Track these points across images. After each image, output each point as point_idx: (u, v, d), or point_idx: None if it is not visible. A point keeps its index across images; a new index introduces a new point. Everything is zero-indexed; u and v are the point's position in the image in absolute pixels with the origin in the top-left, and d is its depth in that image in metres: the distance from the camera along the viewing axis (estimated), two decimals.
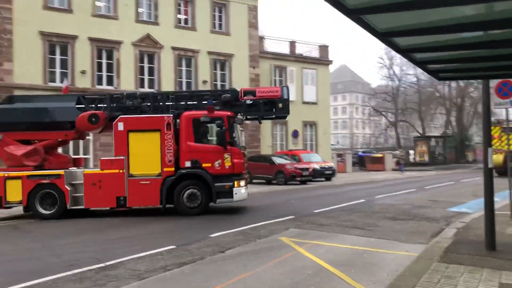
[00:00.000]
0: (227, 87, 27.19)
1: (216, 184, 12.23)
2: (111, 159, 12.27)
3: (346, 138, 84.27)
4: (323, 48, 34.48)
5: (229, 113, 12.44)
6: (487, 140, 7.46)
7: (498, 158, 24.88)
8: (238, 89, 13.18)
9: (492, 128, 22.00)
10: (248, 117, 13.01)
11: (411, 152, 42.38)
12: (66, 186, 12.28)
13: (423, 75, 49.72)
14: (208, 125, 12.41)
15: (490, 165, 7.41)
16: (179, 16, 26.31)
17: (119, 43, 24.05)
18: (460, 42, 4.14)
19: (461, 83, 44.48)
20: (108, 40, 23.70)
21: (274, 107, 12.70)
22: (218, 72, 27.70)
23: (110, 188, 12.21)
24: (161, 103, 12.87)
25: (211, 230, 10.22)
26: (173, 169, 12.26)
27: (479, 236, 8.81)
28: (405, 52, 4.19)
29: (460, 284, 5.74)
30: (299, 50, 33.33)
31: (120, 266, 7.25)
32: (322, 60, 33.86)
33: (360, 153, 40.52)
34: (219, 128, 12.17)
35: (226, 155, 12.24)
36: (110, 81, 23.81)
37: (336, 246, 8.58)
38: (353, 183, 23.67)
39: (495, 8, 3.03)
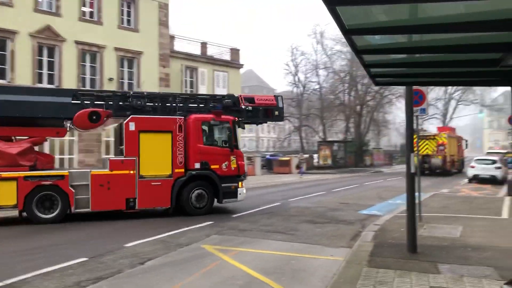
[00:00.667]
0: (135, 86, 26.02)
1: (223, 185, 12.77)
2: (121, 159, 11.82)
3: (253, 141, 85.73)
4: (235, 52, 34.45)
5: (235, 118, 13.09)
6: (410, 146, 7.71)
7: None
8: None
9: None
10: (246, 121, 13.72)
11: (315, 156, 44.18)
12: (70, 187, 11.39)
13: (326, 83, 52.39)
14: (216, 128, 12.90)
15: (412, 170, 7.66)
16: (83, 8, 24.31)
17: (14, 32, 21.47)
18: (407, 45, 4.04)
19: (360, 92, 47.58)
20: (1, 29, 21.07)
21: (271, 114, 13.79)
22: (126, 69, 26.15)
23: (119, 189, 11.77)
24: (168, 104, 12.78)
25: (125, 239, 9.34)
26: (183, 170, 12.41)
27: (397, 238, 9.15)
28: (360, 53, 3.98)
29: None
30: (211, 52, 32.91)
31: (23, 286, 6.16)
32: (233, 63, 33.79)
33: (268, 157, 41.22)
34: (228, 132, 12.85)
35: (232, 157, 12.88)
36: (2, 75, 21.17)
37: (261, 252, 8.31)
38: (265, 186, 23.89)
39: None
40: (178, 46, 30.57)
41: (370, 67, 4.78)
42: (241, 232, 10.22)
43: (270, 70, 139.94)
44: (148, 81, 26.30)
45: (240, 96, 13.87)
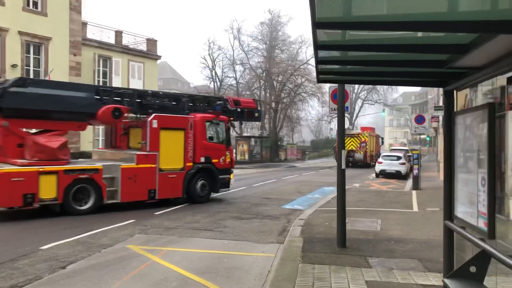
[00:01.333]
0: (42, 74, 23.91)
1: (220, 177, 14.85)
2: (145, 154, 13.12)
3: None
4: (151, 42, 33.14)
5: (230, 118, 15.34)
6: (341, 143, 7.88)
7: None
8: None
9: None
10: (233, 121, 15.86)
11: (233, 151, 44.40)
12: (103, 180, 12.33)
13: (242, 79, 52.72)
14: (215, 126, 14.81)
15: (343, 166, 7.84)
16: None
17: None
18: (367, 42, 4.04)
19: (276, 89, 48.64)
20: None
21: (252, 115, 16.53)
22: (32, 56, 23.88)
23: (143, 181, 13.09)
24: (177, 104, 14.38)
25: (39, 241, 8.43)
26: (191, 164, 14.15)
27: (324, 233, 9.38)
28: (320, 48, 3.87)
29: (333, 286, 5.80)
30: (126, 41, 31.28)
31: None
32: (150, 54, 32.50)
33: None
34: (224, 130, 14.96)
35: (227, 152, 15.01)
36: None
37: (191, 251, 8.00)
38: None
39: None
40: (91, 34, 28.62)
41: (322, 63, 4.72)
42: (166, 231, 9.83)
43: (185, 63, 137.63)
44: (57, 69, 24.27)
45: (229, 98, 16.46)
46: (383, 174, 25.98)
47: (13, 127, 11.65)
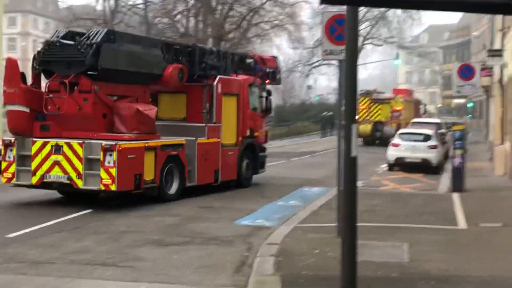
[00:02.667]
0: None
1: (260, 154, 20.14)
2: (213, 126, 17.69)
3: None
4: None
5: (267, 80, 20.93)
6: (351, 111, 7.86)
7: (366, 127, 40.19)
8: None
9: (361, 99, 35.87)
10: None
11: None
12: (186, 158, 16.69)
13: None
14: (255, 91, 19.83)
15: (353, 153, 7.83)
16: None
17: None
18: None
19: (217, 16, 48.27)
20: None
21: (274, 76, 21.50)
22: None
23: (211, 160, 17.65)
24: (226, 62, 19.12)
25: None
26: (241, 138, 19.10)
27: (314, 268, 9.45)
28: None
29: None
30: None
31: None
32: None
33: None
34: (260, 96, 20.25)
35: (264, 124, 20.34)
36: None
37: None
38: None
39: None
40: None
41: None
42: (34, 267, 9.71)
43: None
44: None
45: (260, 56, 21.33)
46: (402, 164, 26.61)
47: (101, 93, 15.50)
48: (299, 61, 67.70)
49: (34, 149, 15.21)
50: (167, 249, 11.12)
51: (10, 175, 15.65)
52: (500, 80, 27.72)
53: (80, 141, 14.87)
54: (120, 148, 14.51)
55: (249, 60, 20.32)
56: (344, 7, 10.70)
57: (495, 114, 30.83)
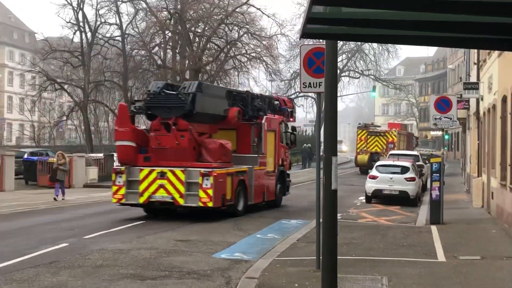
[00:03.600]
0: None
1: (287, 179, 25.30)
2: (262, 156, 22.47)
3: None
4: None
5: (290, 119, 26.48)
6: (331, 143, 7.88)
7: (363, 158, 45.65)
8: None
9: (359, 131, 42.61)
10: None
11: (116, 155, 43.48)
12: (248, 182, 21.44)
13: (133, 28, 51.98)
14: (282, 128, 24.78)
15: (334, 186, 7.84)
16: None
17: None
18: None
19: (194, 48, 48.41)
20: None
21: (292, 115, 27.19)
22: None
23: (261, 184, 22.39)
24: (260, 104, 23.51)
25: None
26: (277, 166, 23.87)
27: None
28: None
29: None
30: None
31: None
32: None
33: (26, 157, 39.09)
34: (285, 132, 25.17)
35: (288, 155, 25.97)
36: None
37: None
38: (26, 212, 22.73)
39: None
40: None
41: (313, 22, 5.17)
42: None
43: (30, 1, 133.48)
44: None
45: (282, 99, 27.53)
46: (379, 196, 26.67)
47: (193, 131, 19.86)
48: (276, 93, 68.13)
49: (141, 175, 19.33)
50: (145, 283, 10.98)
51: (120, 196, 19.65)
52: (476, 113, 28.05)
53: (182, 169, 19.03)
54: (215, 174, 18.94)
55: (276, 102, 25.25)
56: (321, 41, 10.83)
57: (472, 146, 31.12)
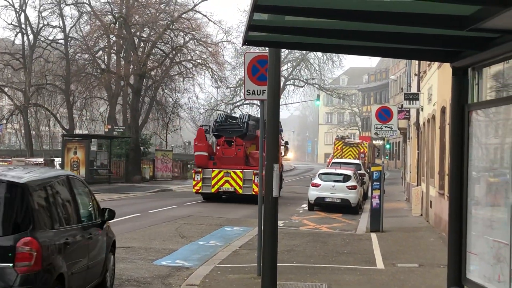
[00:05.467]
0: None
1: (282, 179, 32.59)
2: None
3: None
4: None
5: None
6: (272, 151, 7.89)
7: None
8: None
9: (336, 142, 46.01)
10: None
11: (58, 160, 42.92)
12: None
13: (76, 31, 51.22)
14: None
15: (275, 193, 7.85)
16: None
17: None
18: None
19: (139, 53, 47.95)
20: None
21: None
22: None
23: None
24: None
25: None
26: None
27: None
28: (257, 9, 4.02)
29: None
30: None
31: None
32: None
33: None
34: (286, 145, 39.45)
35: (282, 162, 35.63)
36: None
37: None
38: None
39: None
40: None
41: (255, 30, 5.19)
42: None
43: None
44: None
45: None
46: (321, 204, 26.90)
47: (245, 146, 30.20)
48: (221, 100, 68.11)
49: (213, 174, 29.33)
50: None
51: (198, 188, 29.76)
52: (417, 123, 28.58)
53: (241, 170, 29.16)
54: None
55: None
56: (267, 49, 10.87)
57: (412, 156, 31.68)
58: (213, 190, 29.34)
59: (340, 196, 26.52)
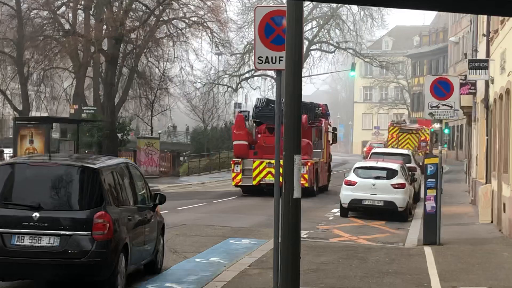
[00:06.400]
0: None
1: (331, 169, 47.29)
2: (323, 151, 40.16)
3: None
4: None
5: None
6: (294, 138, 7.89)
7: None
8: None
9: (391, 128, 51.93)
10: None
11: (8, 151, 43.16)
12: (318, 170, 39.45)
13: None
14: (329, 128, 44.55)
15: (296, 194, 7.86)
16: None
17: None
18: None
19: (115, 11, 47.97)
20: None
21: None
22: None
23: (323, 172, 41.03)
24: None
25: None
26: (327, 159, 44.20)
27: None
28: None
29: None
30: None
31: None
32: None
33: None
34: (334, 131, 48.06)
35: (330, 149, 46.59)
36: None
37: None
38: None
39: None
40: None
41: None
42: None
43: None
44: None
45: (320, 105, 41.90)
46: (358, 208, 26.86)
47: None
48: (224, 71, 68.16)
49: (254, 165, 34.26)
50: None
51: (238, 180, 34.78)
52: (485, 100, 28.38)
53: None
54: (309, 164, 34.48)
55: (320, 108, 40.19)
56: (284, 1, 10.81)
57: (479, 144, 31.52)
58: (254, 183, 34.04)
59: (383, 197, 26.43)
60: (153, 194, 15.13)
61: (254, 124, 38.52)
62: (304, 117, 34.39)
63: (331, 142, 42.76)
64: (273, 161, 32.31)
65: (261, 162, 34.04)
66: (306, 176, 33.17)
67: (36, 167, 13.77)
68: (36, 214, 12.13)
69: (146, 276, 14.75)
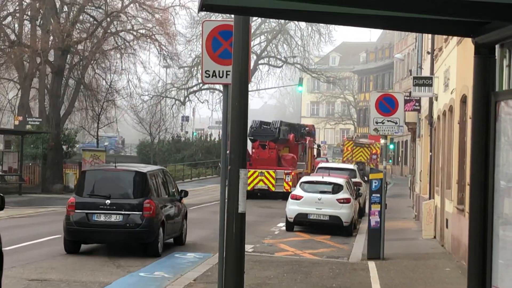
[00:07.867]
0: None
1: None
2: (307, 163, 53.28)
3: None
4: None
5: None
6: (240, 149, 7.90)
7: None
8: None
9: (346, 142, 57.03)
10: None
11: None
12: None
13: None
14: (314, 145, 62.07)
15: (241, 208, 7.86)
16: None
17: None
18: None
19: (62, 21, 47.69)
20: None
21: None
22: None
23: None
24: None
25: None
26: (311, 169, 54.76)
27: None
28: None
29: None
30: None
31: None
32: None
33: None
34: (318, 147, 72.56)
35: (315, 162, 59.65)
36: None
37: None
38: None
39: None
40: None
41: None
42: None
43: None
44: None
45: (307, 125, 62.12)
46: (304, 222, 26.90)
47: (277, 149, 46.53)
48: (172, 84, 67.97)
49: (248, 174, 36.10)
50: None
51: None
52: (429, 117, 28.68)
53: (273, 170, 42.97)
54: (293, 173, 43.27)
55: (306, 128, 53.79)
56: (232, 16, 10.83)
57: (423, 159, 31.83)
58: (248, 188, 35.16)
59: (328, 212, 26.47)
60: (179, 190, 23.03)
61: (250, 141, 44.36)
62: (291, 135, 47.18)
63: (315, 156, 55.52)
64: (264, 170, 43.05)
65: (255, 172, 42.07)
66: (290, 183, 41.51)
67: (108, 171, 21.85)
68: (108, 201, 18.99)
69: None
